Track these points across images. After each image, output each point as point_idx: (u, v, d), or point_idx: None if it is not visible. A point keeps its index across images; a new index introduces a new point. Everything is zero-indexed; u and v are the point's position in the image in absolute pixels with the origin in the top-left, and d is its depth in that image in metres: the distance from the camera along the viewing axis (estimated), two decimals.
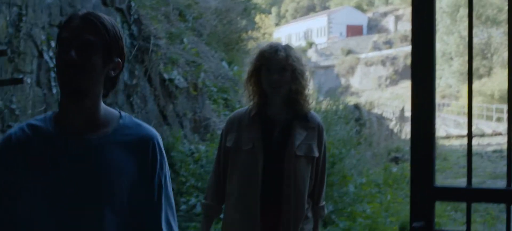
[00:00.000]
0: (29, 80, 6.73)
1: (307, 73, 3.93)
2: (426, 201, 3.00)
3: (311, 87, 3.95)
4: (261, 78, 3.92)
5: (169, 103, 9.45)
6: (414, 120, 3.00)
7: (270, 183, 3.83)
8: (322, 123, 4.01)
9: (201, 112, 10.05)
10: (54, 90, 7.21)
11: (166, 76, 9.39)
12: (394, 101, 51.47)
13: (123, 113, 2.52)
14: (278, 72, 3.86)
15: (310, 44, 78.13)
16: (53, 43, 7.12)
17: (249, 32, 19.54)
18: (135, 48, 8.79)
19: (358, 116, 18.25)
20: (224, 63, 13.30)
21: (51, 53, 7.05)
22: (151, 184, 2.45)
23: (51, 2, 7.19)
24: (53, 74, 7.13)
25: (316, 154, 3.95)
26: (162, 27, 10.78)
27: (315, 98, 4.58)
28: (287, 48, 3.93)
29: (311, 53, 74.29)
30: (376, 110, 34.37)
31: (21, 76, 6.40)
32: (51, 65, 7.07)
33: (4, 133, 6.31)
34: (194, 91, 9.95)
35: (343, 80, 68.97)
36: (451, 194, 3.08)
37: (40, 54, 6.95)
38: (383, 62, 67.64)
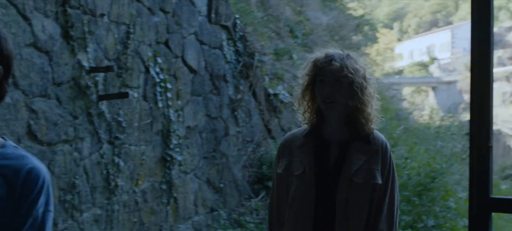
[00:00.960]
0: (136, 95, 7.14)
1: (370, 88, 3.39)
2: (482, 212, 3.09)
3: (375, 104, 3.41)
4: (316, 93, 3.38)
5: (274, 118, 9.71)
6: (472, 131, 3.12)
7: (323, 213, 3.38)
8: (386, 143, 3.46)
9: None
10: (160, 104, 7.60)
11: (271, 91, 9.66)
12: None
13: (8, 142, 2.26)
14: (332, 85, 3.31)
15: (433, 60, 76.94)
16: (159, 59, 7.51)
17: (367, 48, 19.55)
18: (240, 64, 9.12)
19: None
20: None
21: (157, 69, 7.44)
22: (18, 217, 2.16)
23: (158, 21, 7.58)
24: (159, 89, 7.51)
25: (379, 181, 3.38)
26: (270, 43, 11.06)
27: (377, 116, 3.57)
28: (345, 57, 3.37)
29: (434, 69, 73.11)
30: (499, 127, 33.54)
31: (127, 90, 6.81)
32: (157, 80, 7.46)
33: (111, 143, 6.73)
34: None
35: (466, 97, 67.53)
36: (508, 205, 3.16)
37: (147, 70, 7.35)
38: (507, 78, 65.83)
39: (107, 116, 6.63)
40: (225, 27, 8.92)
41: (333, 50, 3.40)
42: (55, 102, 5.94)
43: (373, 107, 3.39)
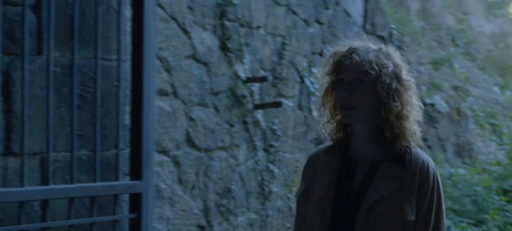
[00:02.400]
0: (291, 104, 7.38)
1: (407, 92, 2.64)
2: None
3: (415, 114, 2.68)
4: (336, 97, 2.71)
5: (431, 127, 9.68)
6: None
7: None
8: (429, 165, 2.65)
9: (465, 137, 10.13)
10: (315, 114, 7.80)
11: (428, 101, 9.64)
12: None
13: None
14: (351, 85, 2.60)
15: None
16: (314, 70, 7.71)
17: None
18: None
19: None
20: (495, 88, 13.17)
21: (312, 79, 7.65)
22: None
23: (313, 32, 7.79)
24: (313, 99, 7.72)
25: (410, 217, 2.63)
26: (429, 53, 11.00)
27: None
28: (373, 51, 2.64)
29: None
30: None
31: (282, 100, 7.06)
32: (312, 90, 7.66)
33: (266, 151, 7.00)
34: (457, 116, 10.07)
35: None
36: None
37: (302, 80, 7.58)
38: None
39: (262, 124, 6.90)
40: (381, 37, 9.00)
41: (362, 41, 2.71)
42: (212, 111, 6.27)
43: (411, 119, 2.64)
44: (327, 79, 2.70)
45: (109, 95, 4.06)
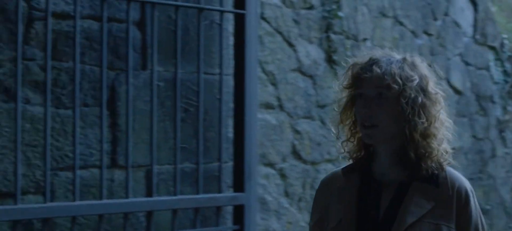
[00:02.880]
0: None
1: (435, 107, 2.35)
2: None
3: (443, 132, 2.38)
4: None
5: None
6: None
7: None
8: (467, 187, 2.38)
9: None
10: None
11: None
12: None
13: None
14: (372, 101, 2.32)
15: None
16: None
17: None
18: (508, 85, 8.90)
19: None
20: None
21: None
22: None
23: (421, 43, 7.68)
24: None
25: None
26: None
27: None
28: (396, 62, 2.35)
29: None
30: None
31: None
32: None
33: None
34: None
35: None
36: None
37: None
38: None
39: None
40: (492, 48, 8.77)
41: (384, 51, 2.44)
42: (318, 123, 6.27)
43: (439, 137, 2.35)
44: (346, 93, 2.40)
45: (212, 109, 4.13)
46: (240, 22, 4.03)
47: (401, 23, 7.37)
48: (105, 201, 3.49)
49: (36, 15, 3.57)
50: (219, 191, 3.92)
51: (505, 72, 9.01)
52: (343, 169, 2.46)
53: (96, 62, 3.73)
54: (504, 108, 8.92)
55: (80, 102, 3.64)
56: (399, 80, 2.28)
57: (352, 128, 2.41)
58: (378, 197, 2.37)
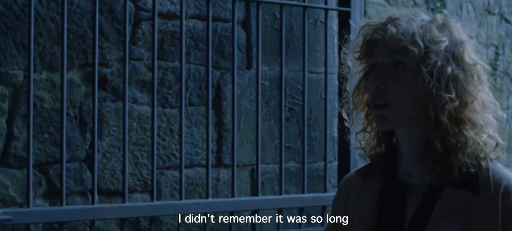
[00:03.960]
0: (505, 116, 7.07)
1: (474, 79, 1.77)
2: None
3: (488, 116, 1.79)
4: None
5: None
6: None
7: None
8: None
9: None
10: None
11: None
12: None
13: None
14: (385, 73, 1.77)
15: None
16: None
17: None
18: None
19: None
20: None
21: None
22: None
23: None
24: None
25: None
26: None
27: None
28: (419, 21, 1.79)
29: None
30: None
31: (499, 111, 6.78)
32: None
33: None
34: None
35: None
36: None
37: None
38: None
39: None
40: None
41: (410, 10, 1.87)
42: None
43: (478, 122, 1.77)
44: (358, 66, 1.86)
45: (317, 108, 4.08)
46: (345, 20, 3.96)
47: (507, 20, 7.15)
48: (211, 199, 3.49)
49: (142, 16, 3.60)
50: (324, 191, 3.87)
51: None
52: (358, 170, 1.96)
53: (201, 62, 3.74)
54: None
55: (186, 101, 3.65)
56: (420, 42, 1.73)
57: (368, 114, 1.87)
58: (403, 205, 1.83)
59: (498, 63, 6.96)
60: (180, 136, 3.43)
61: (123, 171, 3.28)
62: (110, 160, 3.51)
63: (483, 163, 1.77)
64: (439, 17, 1.81)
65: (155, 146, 3.34)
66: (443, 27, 1.78)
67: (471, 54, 1.81)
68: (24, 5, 3.27)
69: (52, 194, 3.36)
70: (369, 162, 1.93)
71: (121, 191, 3.31)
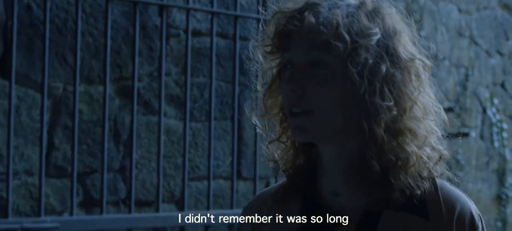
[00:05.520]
0: (473, 134, 7.40)
1: (413, 78, 1.46)
2: None
3: (428, 123, 1.49)
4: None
5: None
6: None
7: None
8: (471, 208, 1.52)
9: None
10: (496, 144, 7.77)
11: None
12: None
13: None
14: (302, 72, 1.43)
15: None
16: (496, 101, 7.70)
17: None
18: None
19: None
20: None
21: (493, 110, 7.63)
22: None
23: (495, 63, 7.78)
24: (495, 129, 7.70)
25: None
26: None
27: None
28: (343, 5, 1.43)
29: None
30: None
31: (466, 130, 7.09)
32: (494, 120, 7.64)
33: (450, 181, 7.03)
34: None
35: None
36: None
37: (484, 110, 7.58)
38: None
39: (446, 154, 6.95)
40: None
41: None
42: None
43: (420, 133, 1.46)
44: (269, 62, 1.50)
45: None
46: None
47: (476, 43, 7.48)
48: (236, 210, 3.64)
49: (171, 32, 3.75)
50: None
51: None
52: (271, 191, 1.58)
53: (223, 78, 3.90)
54: None
55: (208, 116, 3.80)
56: (346, 35, 1.38)
57: (283, 121, 1.52)
58: None
59: (468, 84, 7.28)
60: (209, 149, 3.57)
61: (157, 184, 3.41)
62: (141, 171, 3.63)
63: (428, 182, 1.48)
64: (368, 1, 1.46)
65: (187, 162, 3.48)
66: (374, 14, 1.44)
67: (408, 47, 1.46)
68: (65, 19, 3.38)
69: (89, 203, 3.47)
70: (284, 178, 1.57)
71: (151, 201, 3.44)
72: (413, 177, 1.46)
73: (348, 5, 1.43)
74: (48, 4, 3.12)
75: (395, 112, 1.42)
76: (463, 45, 7.27)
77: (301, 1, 1.44)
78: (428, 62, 1.52)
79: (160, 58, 3.42)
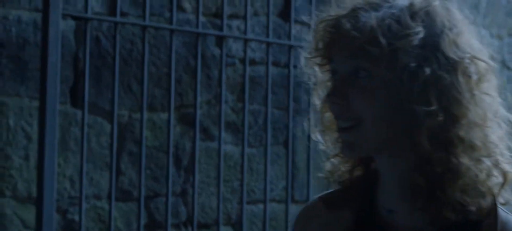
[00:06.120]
0: None
1: (468, 81, 1.29)
2: None
3: (494, 133, 1.30)
4: None
5: None
6: None
7: None
8: None
9: None
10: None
11: None
12: None
13: None
14: (345, 82, 1.33)
15: None
16: None
17: None
18: None
19: None
20: None
21: None
22: None
23: None
24: None
25: None
26: None
27: None
28: (385, 7, 1.31)
29: None
30: None
31: None
32: None
33: None
34: None
35: None
36: None
37: None
38: None
39: None
40: None
41: None
42: None
43: (478, 144, 1.30)
44: (323, 76, 1.43)
45: None
46: None
47: (509, 68, 7.58)
48: None
49: (228, 62, 3.90)
50: None
51: None
52: (323, 196, 1.50)
53: (274, 105, 4.03)
54: None
55: (262, 141, 3.94)
56: (381, 38, 1.27)
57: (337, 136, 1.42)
58: None
59: None
60: (265, 174, 3.70)
61: (217, 207, 3.55)
62: (201, 195, 3.78)
63: (486, 203, 1.31)
64: (417, 2, 1.33)
65: (245, 187, 3.62)
66: (420, 13, 1.31)
67: (464, 45, 1.31)
68: (130, 50, 3.55)
69: (152, 226, 3.62)
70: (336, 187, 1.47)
71: (210, 224, 3.58)
72: (468, 193, 1.29)
73: (391, 7, 1.31)
74: (118, 37, 3.28)
75: (441, 118, 1.27)
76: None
77: (346, 7, 1.35)
78: (491, 62, 1.33)
79: (220, 87, 3.57)
